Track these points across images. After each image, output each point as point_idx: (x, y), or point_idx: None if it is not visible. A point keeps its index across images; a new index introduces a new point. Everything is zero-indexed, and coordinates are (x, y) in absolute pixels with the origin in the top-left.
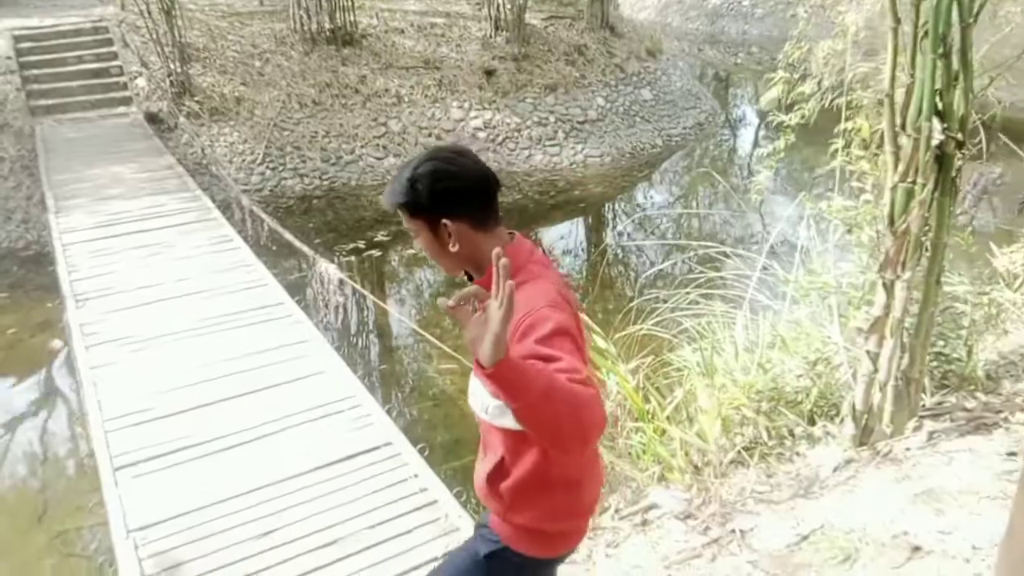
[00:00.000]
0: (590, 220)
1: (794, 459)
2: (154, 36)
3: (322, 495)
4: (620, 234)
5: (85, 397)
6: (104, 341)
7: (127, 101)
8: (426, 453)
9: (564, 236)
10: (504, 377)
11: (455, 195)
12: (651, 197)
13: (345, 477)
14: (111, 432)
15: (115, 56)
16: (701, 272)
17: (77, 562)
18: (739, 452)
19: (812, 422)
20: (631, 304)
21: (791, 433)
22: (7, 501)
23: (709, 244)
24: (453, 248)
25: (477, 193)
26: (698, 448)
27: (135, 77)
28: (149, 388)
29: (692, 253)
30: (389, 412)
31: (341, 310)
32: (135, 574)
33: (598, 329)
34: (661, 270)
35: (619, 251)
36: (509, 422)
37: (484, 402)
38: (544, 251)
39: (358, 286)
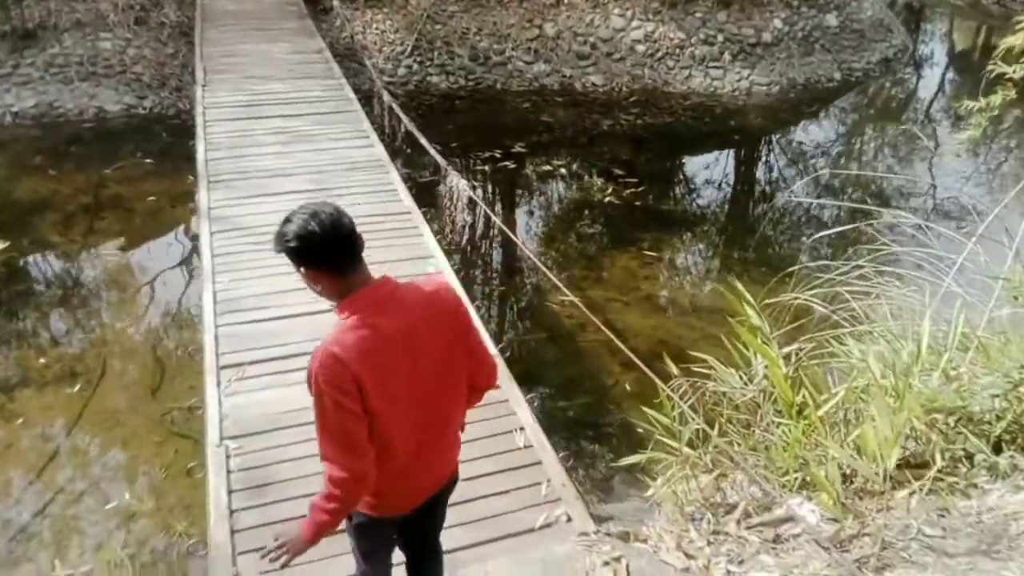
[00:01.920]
0: (743, 154)
1: (971, 493)
2: None
3: None
4: (776, 179)
5: (204, 285)
6: (230, 229)
7: None
8: (535, 398)
9: (710, 166)
10: (310, 537)
11: (305, 252)
12: (815, 137)
13: None
14: (221, 327)
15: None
16: (881, 244)
17: (182, 443)
18: (901, 470)
19: (998, 450)
20: (785, 265)
21: (969, 458)
22: (128, 371)
23: (898, 210)
24: (319, 289)
25: (324, 252)
26: (852, 463)
27: None
28: (265, 286)
29: (869, 220)
30: (501, 344)
31: (467, 229)
32: (222, 485)
33: (750, 298)
34: (821, 225)
35: (772, 196)
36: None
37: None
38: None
39: (487, 208)
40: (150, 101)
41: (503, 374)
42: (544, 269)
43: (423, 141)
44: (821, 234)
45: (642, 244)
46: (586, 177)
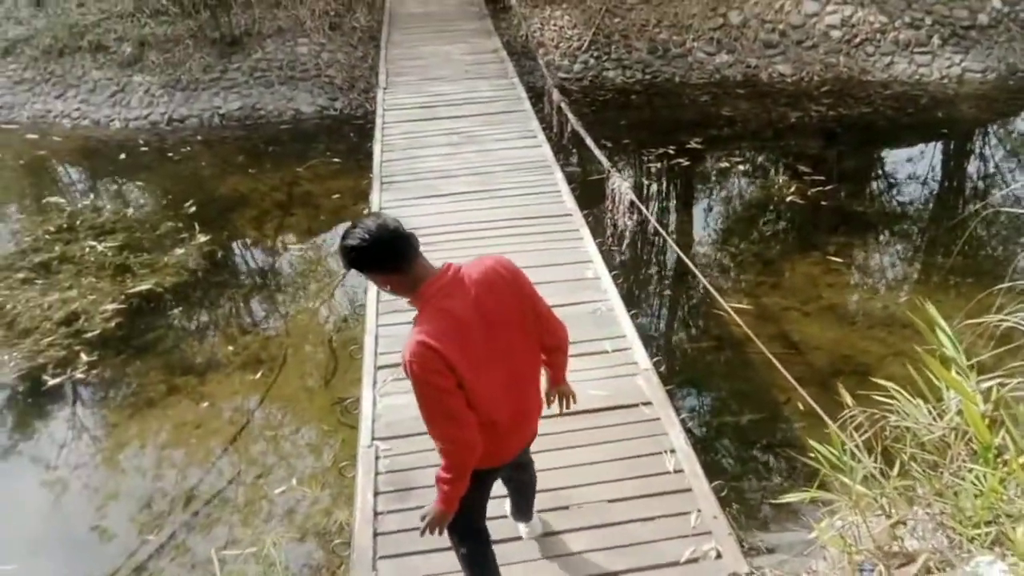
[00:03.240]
0: (951, 149)
1: None
2: None
3: (563, 447)
4: (990, 176)
5: (369, 284)
6: None
7: None
8: (699, 409)
9: (913, 161)
10: (445, 505)
11: (379, 255)
12: None
13: (591, 432)
14: (382, 327)
15: None
16: None
17: (350, 432)
18: None
19: None
20: (994, 278)
21: None
22: (306, 362)
23: None
24: (389, 289)
25: (395, 254)
26: None
27: None
28: None
29: None
30: (663, 350)
31: (629, 233)
32: (369, 487)
33: (943, 323)
34: None
35: (985, 196)
36: None
37: None
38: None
39: (647, 212)
40: (340, 103)
41: (656, 392)
42: (702, 279)
43: (588, 140)
44: None
45: (827, 248)
46: (769, 173)
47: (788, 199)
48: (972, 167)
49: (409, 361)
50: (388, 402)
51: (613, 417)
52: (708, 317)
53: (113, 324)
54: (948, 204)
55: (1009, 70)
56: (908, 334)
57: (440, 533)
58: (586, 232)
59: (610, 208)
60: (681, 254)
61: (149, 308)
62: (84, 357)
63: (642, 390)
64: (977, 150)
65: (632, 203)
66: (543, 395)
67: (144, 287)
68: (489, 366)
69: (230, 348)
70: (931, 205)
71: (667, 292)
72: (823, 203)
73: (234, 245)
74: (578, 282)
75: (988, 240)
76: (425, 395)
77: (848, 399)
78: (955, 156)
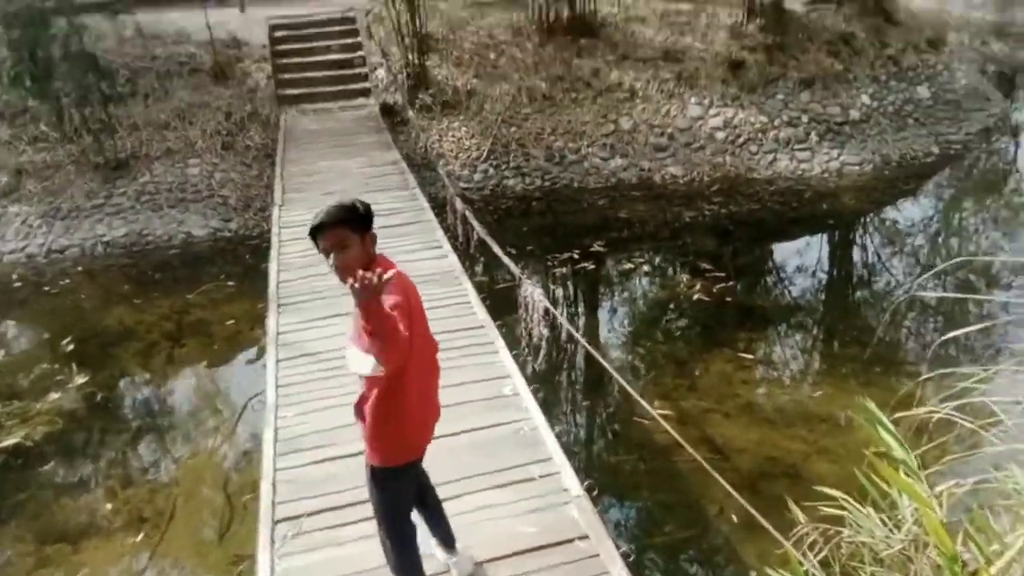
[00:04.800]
0: (838, 239)
1: None
2: (396, 26)
3: None
4: (875, 264)
5: (265, 421)
6: (297, 355)
7: (366, 92)
8: (626, 529)
9: (803, 253)
10: (376, 306)
11: (371, 217)
12: (913, 215)
13: None
14: (281, 471)
15: (359, 47)
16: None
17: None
18: None
19: None
20: (901, 362)
21: None
22: (197, 514)
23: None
24: (370, 252)
25: (369, 216)
26: None
27: (375, 68)
28: (328, 420)
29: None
30: (584, 466)
31: (545, 342)
32: None
33: (887, 421)
34: (938, 314)
35: (872, 283)
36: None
37: (363, 365)
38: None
39: (563, 319)
40: (235, 223)
41: (592, 522)
42: (627, 386)
43: (496, 249)
44: (952, 334)
45: (736, 344)
46: (671, 273)
47: (694, 297)
48: (857, 256)
49: (395, 289)
50: (288, 565)
51: (546, 558)
52: (627, 425)
53: None
54: (841, 293)
55: (883, 161)
56: (826, 429)
57: (362, 295)
58: (501, 344)
59: (523, 317)
60: (603, 362)
61: (17, 465)
62: None
63: (576, 521)
64: (859, 239)
65: (546, 311)
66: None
67: (11, 442)
68: (422, 346)
69: (109, 506)
70: (825, 296)
71: (584, 403)
72: (727, 299)
73: (117, 384)
74: (496, 400)
75: (890, 329)
76: (397, 305)
77: (800, 515)
78: (840, 247)
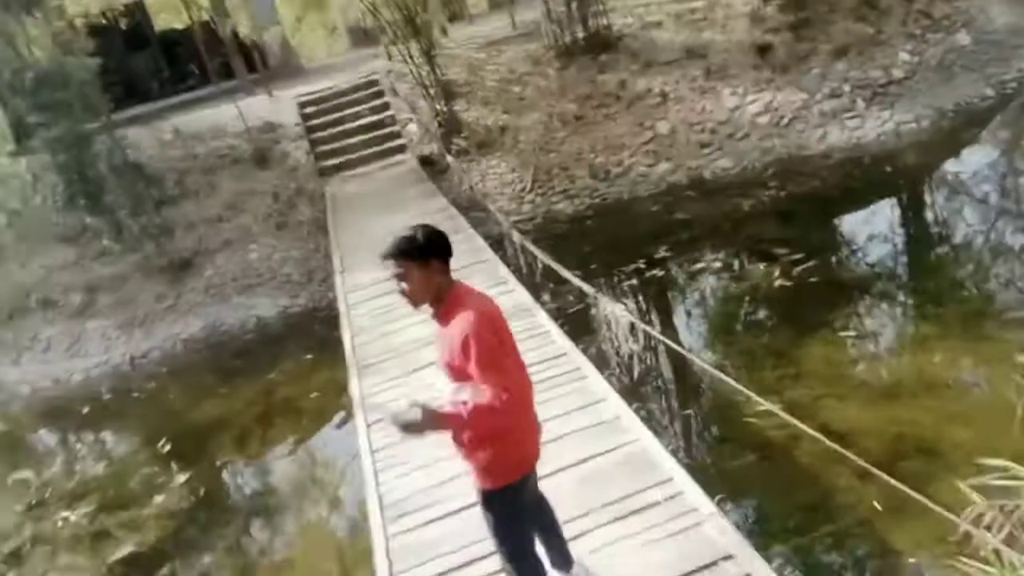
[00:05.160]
0: (907, 199)
1: None
2: (419, 79)
3: None
4: (950, 217)
5: (366, 489)
6: (384, 417)
7: (402, 149)
8: (759, 525)
9: (871, 220)
10: (445, 428)
11: (436, 244)
12: (981, 161)
13: None
14: (393, 537)
15: (387, 107)
16: None
17: None
18: None
19: None
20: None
21: None
22: None
23: None
24: (435, 280)
25: (446, 247)
26: None
27: (406, 124)
28: (426, 478)
29: None
30: (704, 481)
31: (632, 357)
32: None
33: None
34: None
35: (951, 237)
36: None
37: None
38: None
39: (650, 329)
40: (303, 298)
41: (734, 540)
42: (729, 380)
43: (564, 272)
44: None
45: (832, 324)
46: (744, 264)
47: (775, 284)
48: (930, 213)
49: (473, 326)
50: None
51: None
52: (736, 427)
53: None
54: (921, 254)
55: (938, 112)
56: (954, 393)
57: (415, 434)
58: (589, 368)
59: (606, 336)
60: (702, 362)
61: (137, 575)
62: None
63: (715, 541)
64: (929, 196)
65: (632, 325)
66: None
67: (125, 551)
68: (516, 365)
69: None
70: (906, 258)
71: (685, 412)
72: (811, 280)
73: (217, 475)
74: (598, 427)
75: (978, 280)
76: (482, 351)
77: (974, 496)
78: (911, 206)
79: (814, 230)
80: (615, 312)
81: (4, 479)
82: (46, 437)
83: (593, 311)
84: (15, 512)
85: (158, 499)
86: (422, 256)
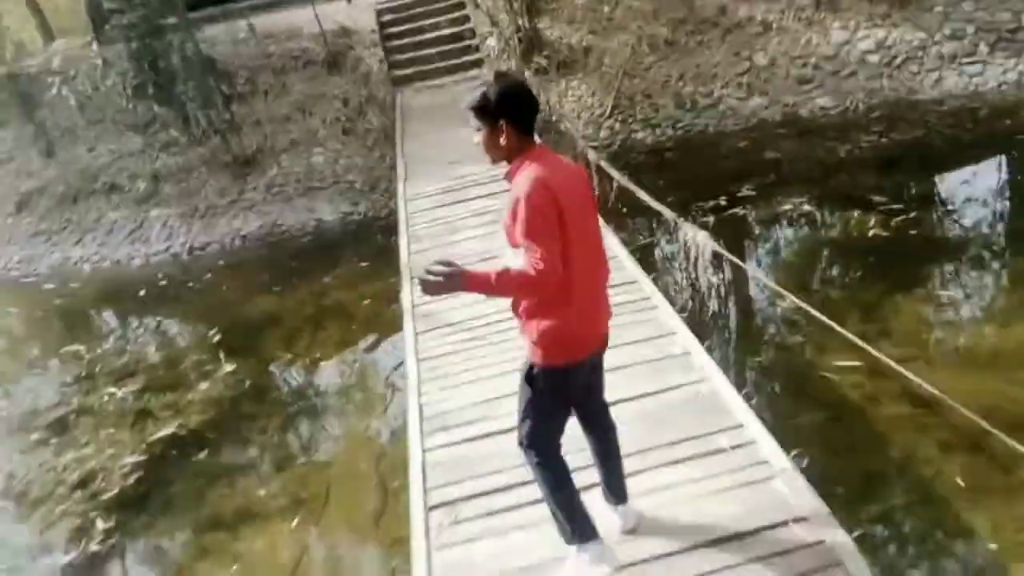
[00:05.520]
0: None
1: None
2: None
3: None
4: None
5: (408, 399)
6: (436, 327)
7: (479, 63)
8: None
9: (983, 176)
10: (474, 290)
11: (509, 105)
12: None
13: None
14: (429, 452)
15: (467, 19)
16: None
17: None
18: None
19: None
20: None
21: None
22: (351, 497)
23: None
24: (503, 142)
25: (523, 109)
26: None
27: (486, 38)
28: (474, 394)
29: None
30: (774, 428)
31: (712, 292)
32: None
33: None
34: None
35: None
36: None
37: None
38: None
39: (737, 259)
40: (363, 206)
41: (809, 500)
42: (825, 319)
43: (643, 195)
44: None
45: (930, 282)
46: (838, 210)
47: (870, 234)
48: None
49: (527, 194)
50: (447, 557)
51: (756, 546)
52: (812, 382)
53: (133, 480)
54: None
55: None
56: None
57: (435, 293)
58: (660, 299)
59: (685, 266)
60: (800, 302)
61: (172, 456)
62: (100, 524)
63: (786, 499)
64: None
65: (716, 255)
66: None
67: (166, 432)
68: (584, 235)
69: (263, 491)
70: (1018, 221)
71: (758, 359)
72: (911, 232)
73: (263, 370)
74: (664, 361)
75: None
76: (534, 220)
77: None
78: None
79: (916, 183)
80: (698, 238)
81: (56, 351)
82: (102, 315)
83: (667, 244)
84: (64, 383)
85: (203, 386)
86: (492, 116)
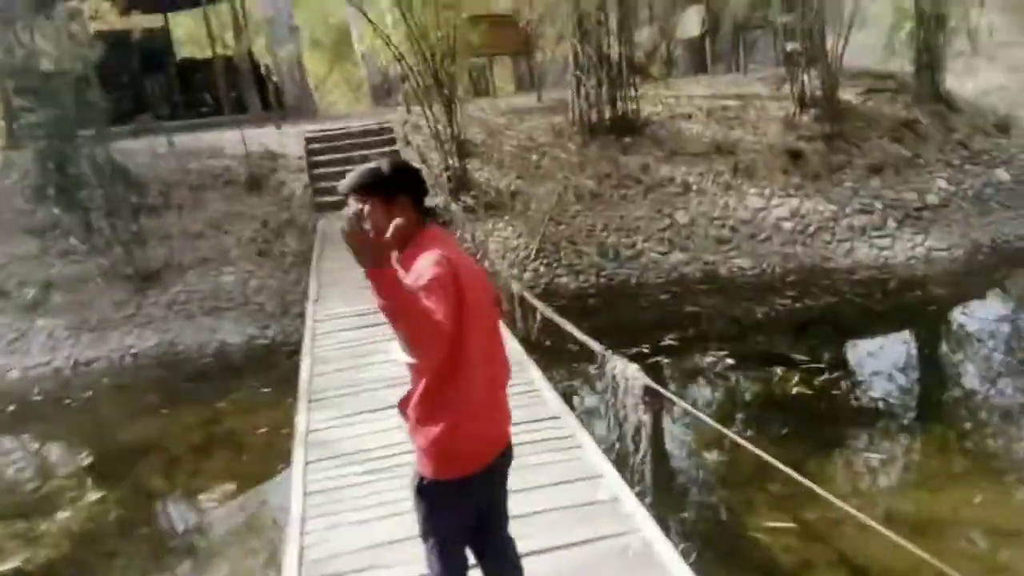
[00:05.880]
0: (932, 333)
1: None
2: (434, 132)
3: None
4: (980, 357)
5: (287, 541)
6: (329, 456)
7: None
8: None
9: (891, 348)
10: (380, 280)
11: (406, 179)
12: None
13: None
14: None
15: (397, 154)
16: None
17: None
18: None
19: None
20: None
21: None
22: None
23: None
24: (399, 220)
25: (418, 182)
26: None
27: None
28: (365, 536)
29: None
30: None
31: (642, 431)
32: None
33: None
34: None
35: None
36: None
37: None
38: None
39: (674, 396)
40: (273, 330)
41: None
42: (789, 471)
43: (567, 325)
44: None
45: (856, 443)
46: (762, 367)
47: (794, 391)
48: (953, 351)
49: (435, 259)
50: None
51: None
52: (743, 541)
53: None
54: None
55: (974, 245)
56: (1001, 539)
57: (352, 243)
58: (585, 437)
59: (613, 402)
60: (746, 443)
61: None
62: None
63: None
64: (954, 332)
65: (647, 389)
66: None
67: (9, 566)
68: (481, 334)
69: None
70: (935, 393)
71: (687, 513)
72: (834, 393)
73: (135, 502)
74: (590, 508)
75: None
76: (432, 280)
77: None
78: (934, 341)
79: (830, 347)
80: (627, 372)
81: None
82: None
83: (593, 381)
84: None
85: (63, 515)
86: (388, 191)
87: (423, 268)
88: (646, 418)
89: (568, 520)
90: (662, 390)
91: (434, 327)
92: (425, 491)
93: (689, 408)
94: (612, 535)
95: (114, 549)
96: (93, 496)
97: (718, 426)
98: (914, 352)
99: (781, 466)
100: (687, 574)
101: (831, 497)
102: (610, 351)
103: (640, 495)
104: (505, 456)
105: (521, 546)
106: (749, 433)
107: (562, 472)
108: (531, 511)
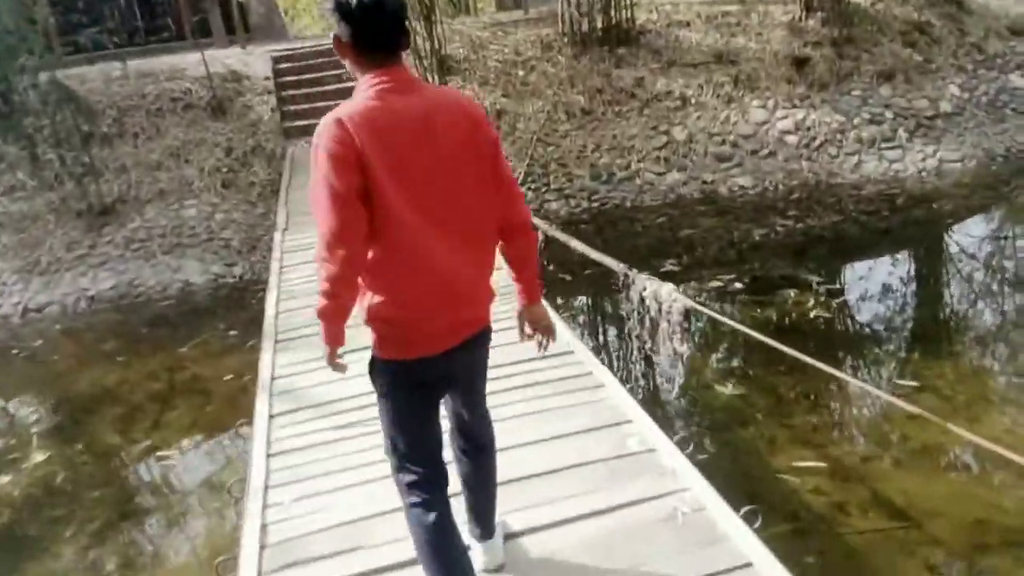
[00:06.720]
0: (940, 251)
1: None
2: (413, 48)
3: None
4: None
5: (246, 515)
6: (296, 408)
7: None
8: None
9: (902, 265)
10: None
11: (340, 14)
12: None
13: None
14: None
15: None
16: None
17: None
18: None
19: None
20: None
21: None
22: None
23: None
24: (344, 62)
25: (358, 24)
26: None
27: None
28: (348, 508)
29: None
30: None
31: (681, 364)
32: None
33: None
34: None
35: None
36: None
37: None
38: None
39: (724, 317)
40: (240, 268)
41: None
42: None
43: (575, 243)
44: None
45: (885, 371)
46: (774, 290)
47: (811, 315)
48: (972, 264)
49: (316, 142)
50: None
51: None
52: (779, 484)
53: None
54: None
55: (987, 155)
56: None
57: (337, 370)
58: (606, 375)
59: (638, 331)
60: (812, 362)
61: None
62: None
63: None
64: (971, 246)
65: (686, 313)
66: (518, 329)
67: None
68: (428, 196)
69: None
70: (971, 309)
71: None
72: (854, 317)
73: (86, 460)
74: (622, 460)
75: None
76: (318, 176)
77: None
78: (942, 261)
79: (836, 269)
80: (661, 292)
81: None
82: None
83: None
84: None
85: (2, 479)
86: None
87: (314, 138)
88: (683, 348)
89: (596, 477)
90: (713, 313)
91: (322, 262)
92: (375, 366)
93: (744, 329)
94: (654, 496)
95: (61, 515)
96: (38, 457)
97: (782, 347)
98: (928, 269)
99: (833, 371)
100: (756, 545)
101: (874, 389)
102: (634, 270)
103: (682, 443)
104: (478, 340)
105: (543, 515)
106: (770, 359)
107: (582, 417)
108: (547, 469)
